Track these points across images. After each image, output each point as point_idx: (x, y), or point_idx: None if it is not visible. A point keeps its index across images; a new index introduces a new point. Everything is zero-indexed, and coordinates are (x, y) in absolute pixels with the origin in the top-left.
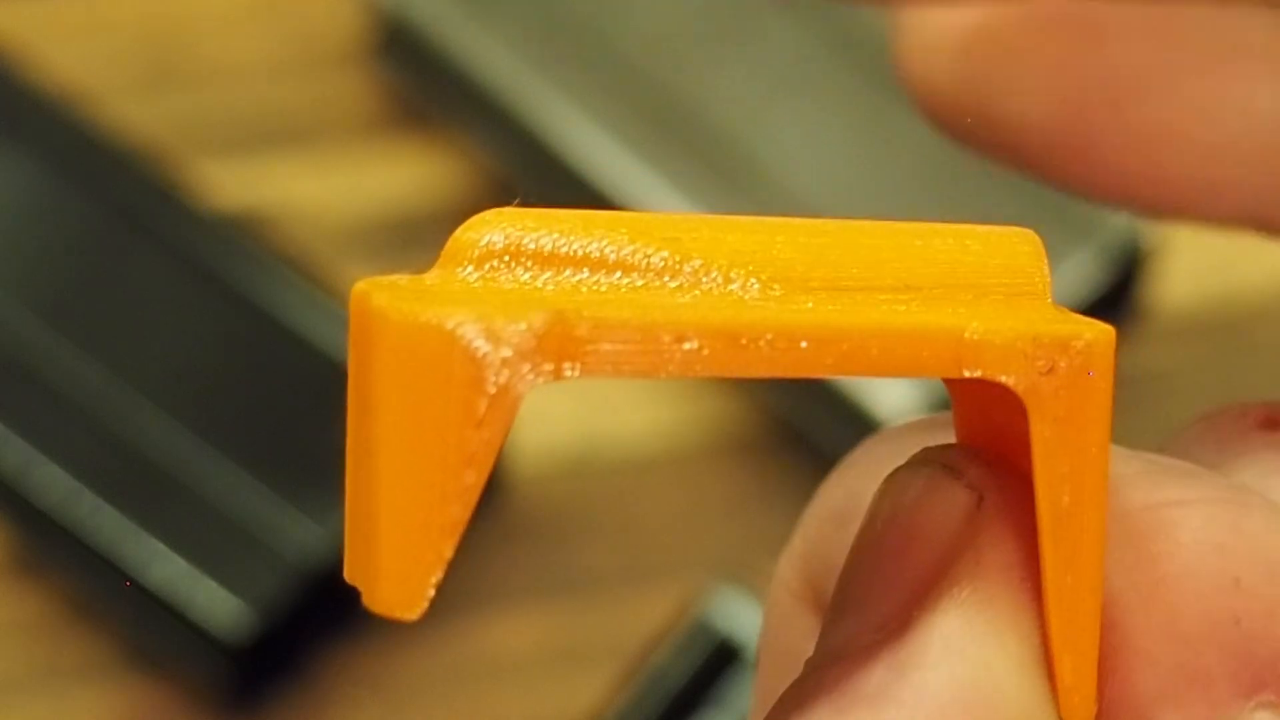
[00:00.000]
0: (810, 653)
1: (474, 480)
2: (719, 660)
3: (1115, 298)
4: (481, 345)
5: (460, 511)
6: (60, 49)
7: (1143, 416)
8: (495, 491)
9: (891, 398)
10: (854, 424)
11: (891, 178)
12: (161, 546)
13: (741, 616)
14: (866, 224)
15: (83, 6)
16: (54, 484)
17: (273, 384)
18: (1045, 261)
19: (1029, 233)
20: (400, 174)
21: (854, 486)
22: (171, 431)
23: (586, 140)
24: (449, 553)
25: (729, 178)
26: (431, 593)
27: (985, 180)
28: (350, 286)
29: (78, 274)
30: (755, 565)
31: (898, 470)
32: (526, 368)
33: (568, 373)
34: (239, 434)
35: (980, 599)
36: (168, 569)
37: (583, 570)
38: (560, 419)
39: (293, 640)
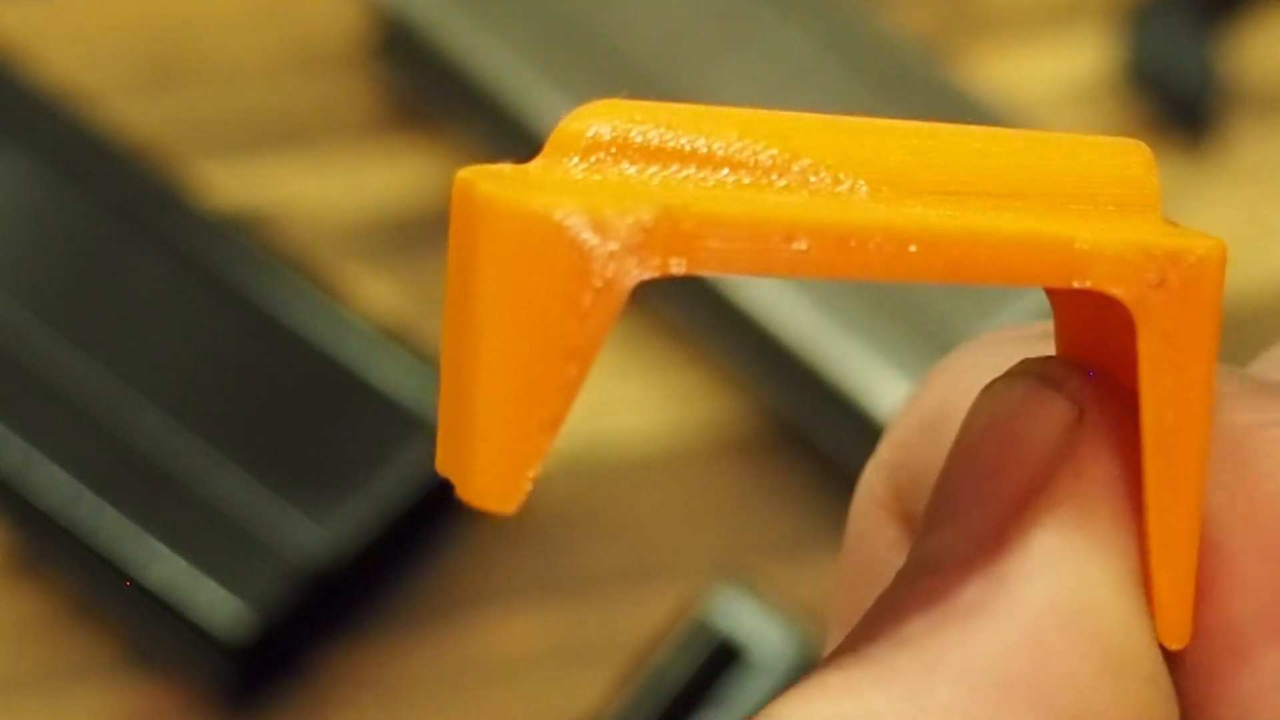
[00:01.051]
0: (896, 564)
1: (576, 374)
2: (719, 660)
3: None
4: (589, 237)
5: (561, 405)
6: (60, 49)
7: None
8: None
9: (892, 397)
10: (854, 424)
11: None
12: (161, 546)
13: (741, 616)
14: (977, 129)
15: (83, 6)
16: (54, 484)
17: (273, 384)
18: (1156, 173)
19: (1140, 144)
20: (400, 174)
21: (947, 394)
22: (171, 431)
23: None
24: (548, 446)
25: None
26: (529, 487)
27: None
28: (350, 286)
29: (78, 274)
30: (755, 565)
31: (996, 380)
32: (633, 262)
33: (674, 268)
34: (239, 434)
35: (1079, 514)
36: (168, 569)
37: (583, 570)
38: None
39: (293, 640)
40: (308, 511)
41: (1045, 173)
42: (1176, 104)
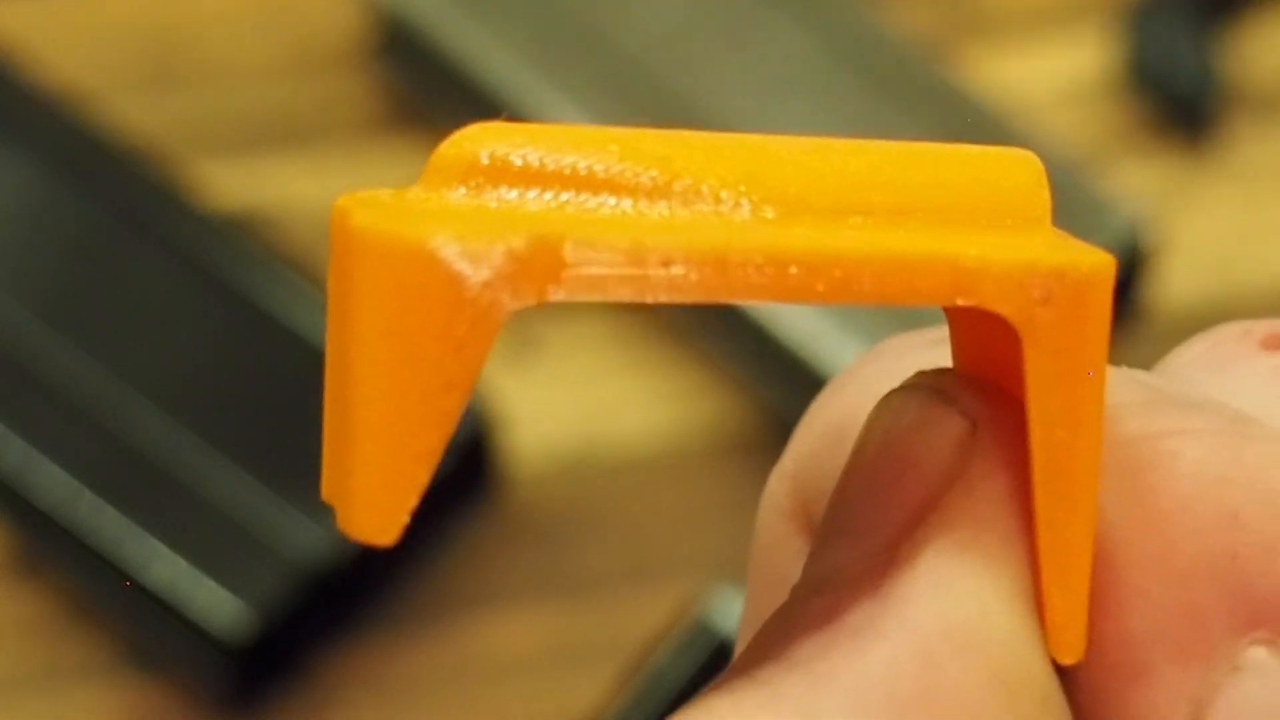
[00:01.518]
0: (798, 574)
1: (453, 405)
2: (719, 660)
3: (1115, 297)
4: (463, 268)
5: (438, 437)
6: (60, 49)
7: None
8: (495, 491)
9: None
10: None
11: None
12: (161, 546)
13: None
14: (863, 143)
15: (83, 6)
16: (54, 484)
17: (273, 384)
18: (1046, 185)
19: (1030, 154)
20: (400, 174)
21: (849, 403)
22: (171, 431)
23: None
24: (425, 479)
25: None
26: (405, 519)
27: None
28: None
29: (78, 274)
30: None
31: (892, 393)
32: (507, 291)
33: (551, 296)
34: (239, 434)
35: (970, 532)
36: (168, 569)
37: (583, 570)
38: (560, 419)
39: (293, 640)
40: (308, 511)
41: (934, 187)
42: (1176, 104)
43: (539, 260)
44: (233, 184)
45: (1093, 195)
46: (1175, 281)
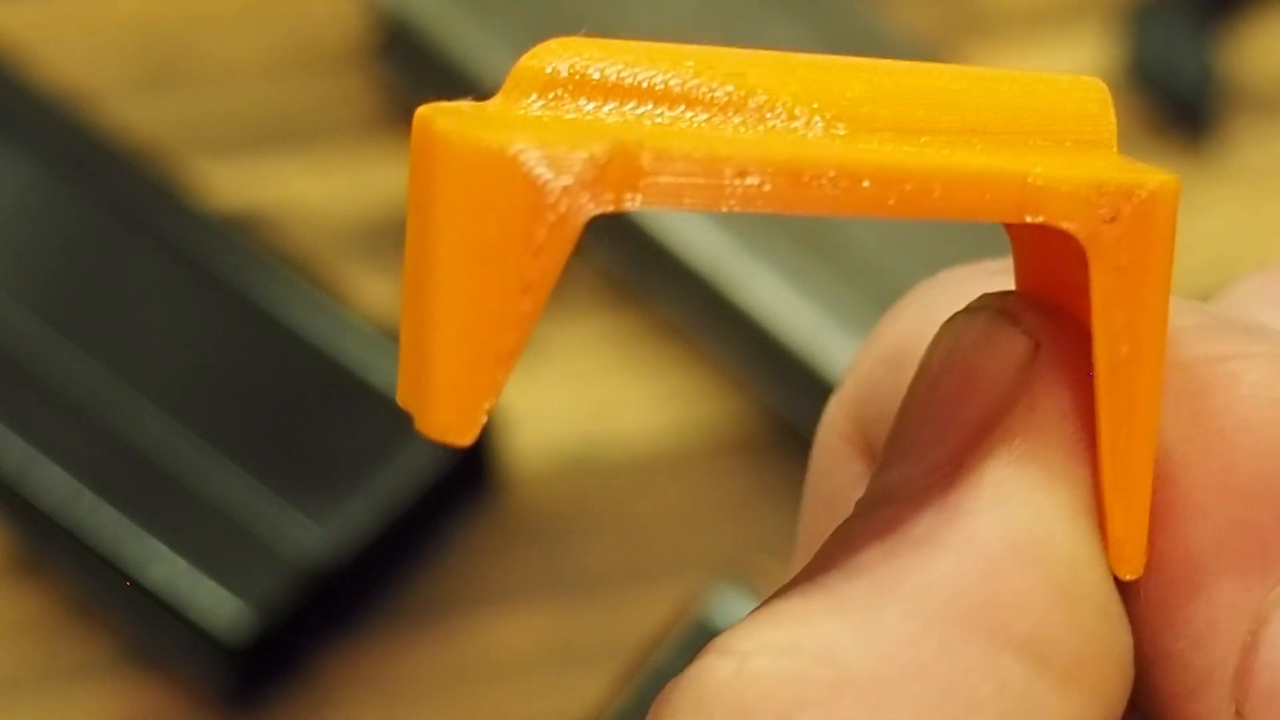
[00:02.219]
0: (858, 496)
1: (530, 307)
2: None
3: None
4: (543, 172)
5: (516, 338)
6: (60, 49)
7: None
8: (495, 491)
9: None
10: None
11: None
12: (161, 546)
13: (741, 617)
14: (934, 66)
15: (83, 6)
16: (54, 484)
17: (273, 384)
18: (1112, 110)
19: (1097, 81)
20: (400, 174)
21: (909, 329)
22: (171, 431)
23: None
24: (504, 379)
25: None
26: (484, 419)
27: None
28: (350, 286)
29: (78, 274)
30: (755, 565)
31: (955, 315)
32: (586, 196)
33: (628, 203)
34: (239, 434)
35: (1033, 447)
36: (168, 569)
37: (583, 570)
38: (560, 419)
39: (293, 640)
40: (308, 511)
41: (1002, 109)
42: (1176, 104)
43: (618, 167)
44: (233, 184)
45: None
46: (1175, 281)
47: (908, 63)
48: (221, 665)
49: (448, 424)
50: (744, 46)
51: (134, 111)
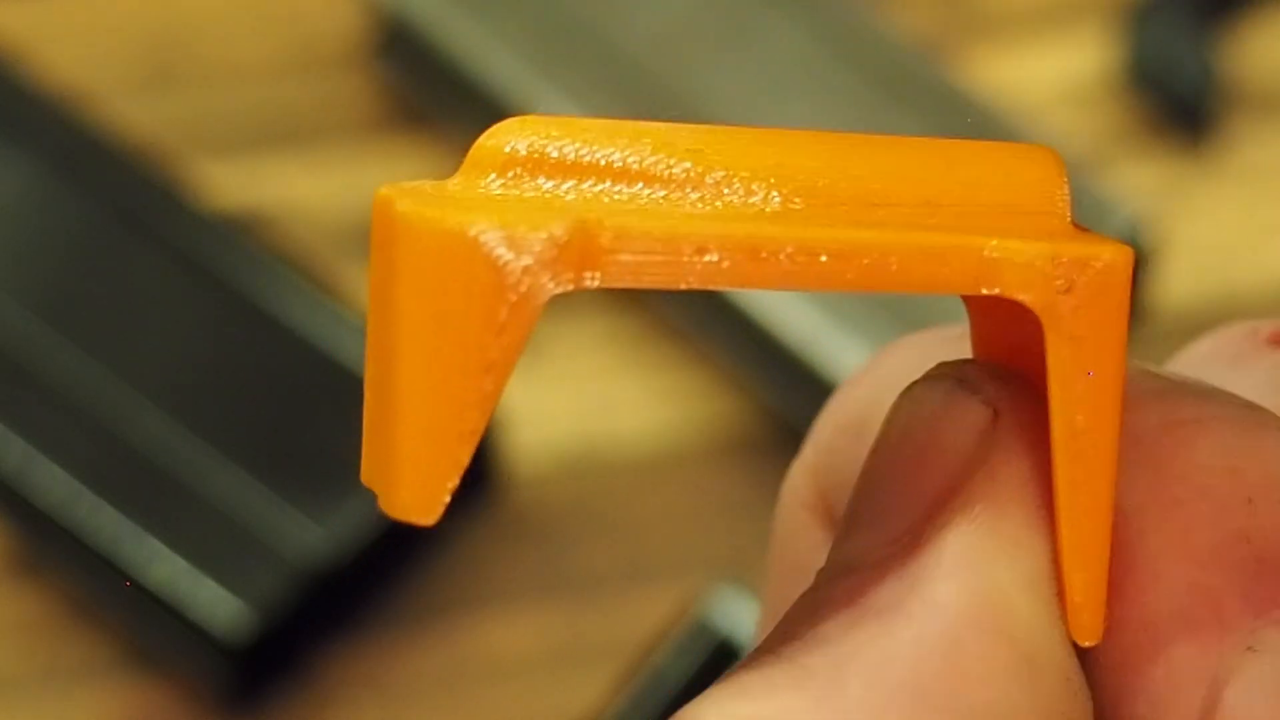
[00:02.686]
0: (820, 564)
1: (492, 387)
2: (719, 660)
3: None
4: (503, 253)
5: (479, 417)
6: (60, 49)
7: None
8: (495, 491)
9: None
10: None
11: None
12: (161, 546)
13: (741, 616)
14: (889, 139)
15: (83, 6)
16: (54, 484)
17: (272, 384)
18: (1065, 179)
19: (1050, 150)
20: (400, 174)
21: (868, 396)
22: (171, 431)
23: None
24: (466, 459)
25: None
26: (447, 499)
27: None
28: (350, 286)
29: (78, 274)
30: (755, 565)
31: (914, 384)
32: (547, 276)
33: (588, 281)
34: (239, 434)
35: (993, 515)
36: (168, 569)
37: (583, 570)
38: (560, 419)
39: (293, 640)
40: (308, 511)
41: (957, 181)
42: (1176, 104)
43: (577, 246)
44: (233, 184)
45: (1093, 195)
46: (1175, 281)
47: (864, 135)
48: (221, 665)
49: (411, 504)
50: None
51: (134, 111)
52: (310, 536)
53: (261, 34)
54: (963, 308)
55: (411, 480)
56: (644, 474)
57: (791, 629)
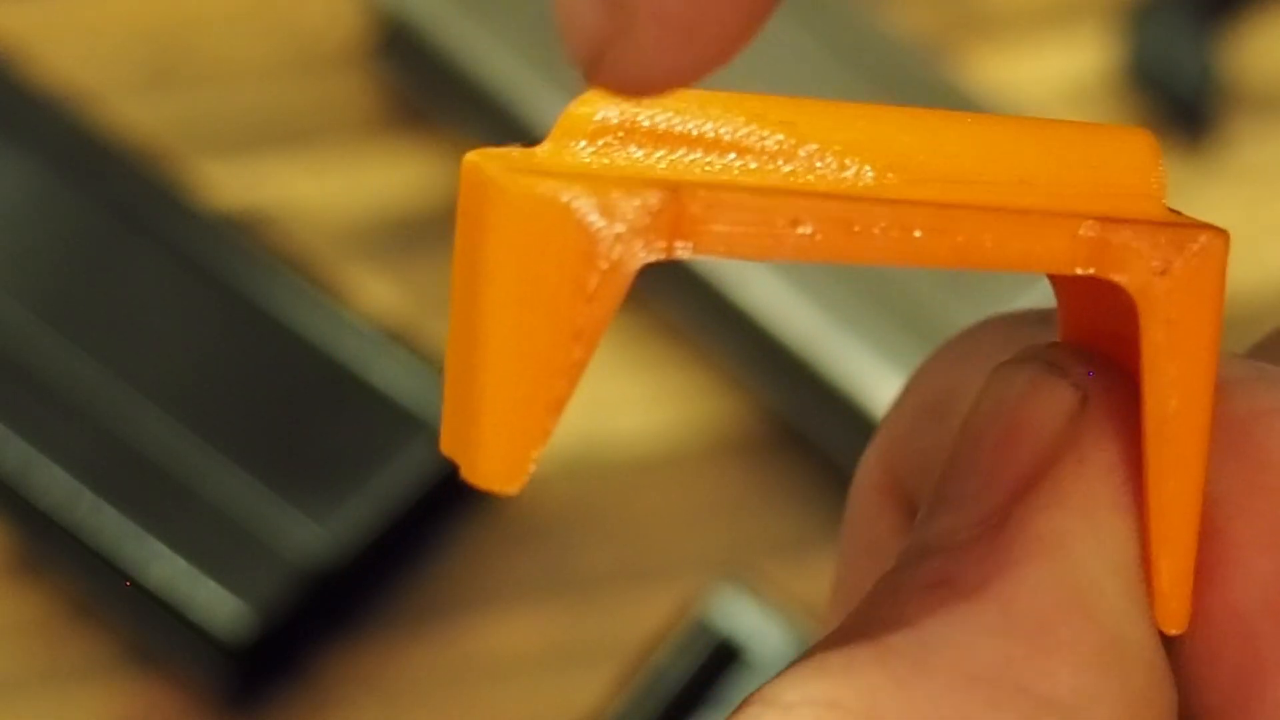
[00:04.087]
0: (895, 547)
1: (581, 355)
2: (719, 660)
3: None
4: (596, 220)
5: (566, 386)
6: (60, 49)
7: None
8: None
9: (891, 397)
10: (854, 424)
11: None
12: (161, 546)
13: (741, 616)
14: (984, 116)
15: (83, 6)
16: (54, 484)
17: (273, 384)
18: (1161, 162)
19: (1146, 132)
20: (400, 174)
21: (948, 379)
22: (171, 431)
23: None
24: (552, 427)
25: None
26: (533, 467)
27: None
28: (350, 286)
29: (78, 274)
30: (755, 565)
31: (1001, 365)
32: (640, 244)
33: (680, 251)
34: (239, 434)
35: (1081, 500)
36: (168, 569)
37: (583, 570)
38: (560, 419)
39: (293, 640)
40: (308, 511)
41: (1051, 160)
42: (1176, 104)
43: (671, 215)
44: (233, 184)
45: None
46: None
47: (958, 112)
48: (221, 665)
49: (496, 473)
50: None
51: (134, 111)
52: (310, 536)
53: (261, 34)
54: (970, 312)
55: (496, 449)
56: (644, 474)
57: (874, 609)
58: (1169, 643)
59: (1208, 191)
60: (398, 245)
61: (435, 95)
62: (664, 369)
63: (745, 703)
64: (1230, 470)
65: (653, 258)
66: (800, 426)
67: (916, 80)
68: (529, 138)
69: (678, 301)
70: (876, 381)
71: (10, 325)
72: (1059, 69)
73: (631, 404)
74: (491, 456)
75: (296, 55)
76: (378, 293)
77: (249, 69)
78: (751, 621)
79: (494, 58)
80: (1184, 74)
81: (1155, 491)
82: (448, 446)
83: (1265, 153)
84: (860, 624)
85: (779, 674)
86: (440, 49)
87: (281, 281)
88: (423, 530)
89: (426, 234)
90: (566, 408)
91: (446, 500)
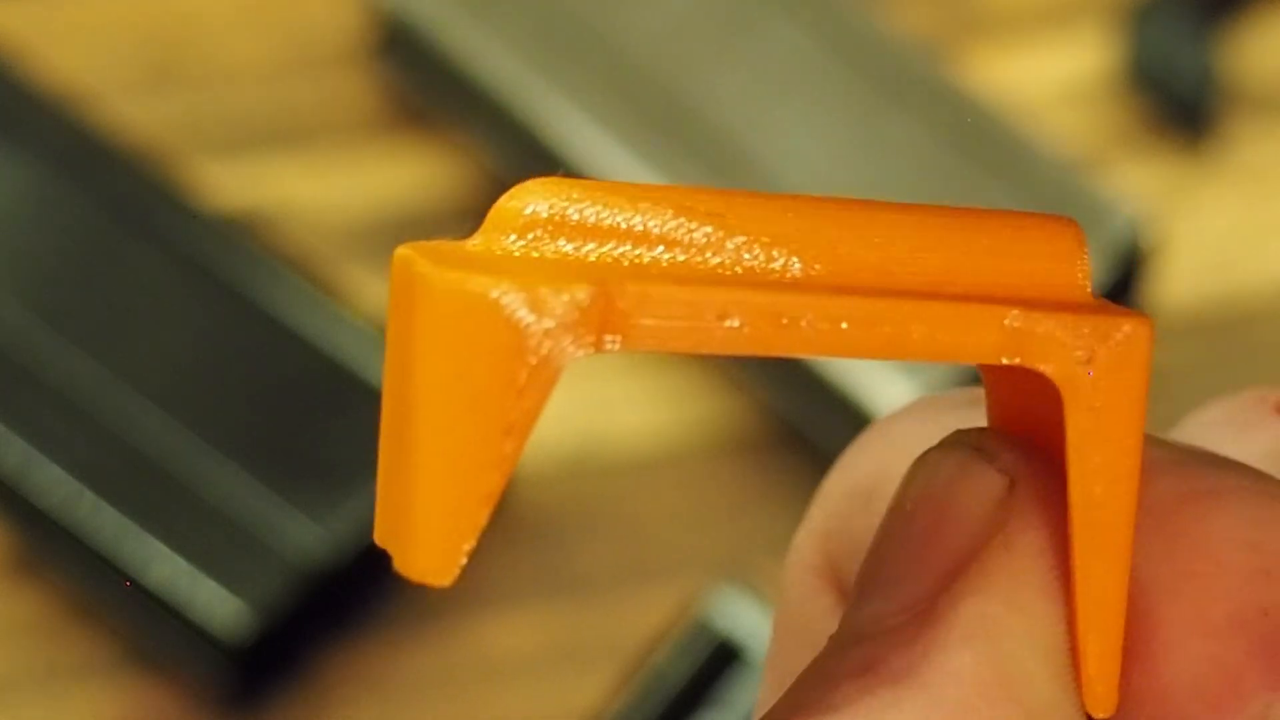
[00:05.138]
0: (829, 630)
1: (512, 449)
2: (719, 660)
3: (1115, 298)
4: (525, 315)
5: (497, 480)
6: (60, 49)
7: None
8: None
9: (891, 396)
10: (854, 424)
11: (889, 177)
12: (161, 546)
13: (741, 616)
14: (909, 206)
15: (83, 6)
16: (54, 484)
17: (273, 384)
18: (1086, 250)
19: (1070, 220)
20: (400, 174)
21: (879, 463)
22: (171, 431)
23: (586, 140)
24: (484, 521)
25: (728, 177)
26: (464, 560)
27: (982, 181)
28: (350, 286)
29: (78, 274)
30: (755, 565)
31: (929, 451)
32: (569, 339)
33: (609, 345)
34: (239, 434)
35: (1008, 585)
36: (168, 569)
37: (583, 570)
38: (560, 419)
39: (293, 640)
40: (308, 511)
41: (978, 249)
42: (1176, 104)
43: (599, 310)
44: (233, 184)
45: (1093, 195)
46: (1175, 281)
47: (884, 203)
48: (221, 665)
49: (428, 567)
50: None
51: (134, 111)
52: (310, 536)
53: (261, 34)
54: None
55: (428, 543)
56: (644, 474)
57: (802, 696)
58: None
59: (1207, 191)
60: (398, 245)
61: (435, 95)
62: (664, 369)
63: None
64: (1158, 554)
65: (582, 353)
66: (800, 426)
67: (916, 80)
68: (527, 138)
69: None
70: (877, 382)
71: (10, 325)
72: (1059, 69)
73: (631, 404)
74: (423, 551)
75: (296, 55)
76: (378, 293)
77: (249, 69)
78: (751, 621)
79: (494, 58)
80: (1184, 74)
81: (1082, 576)
82: (381, 538)
83: (1265, 153)
84: (789, 712)
85: None
86: (440, 49)
87: (281, 281)
88: None
89: (426, 234)
90: (496, 501)
91: None
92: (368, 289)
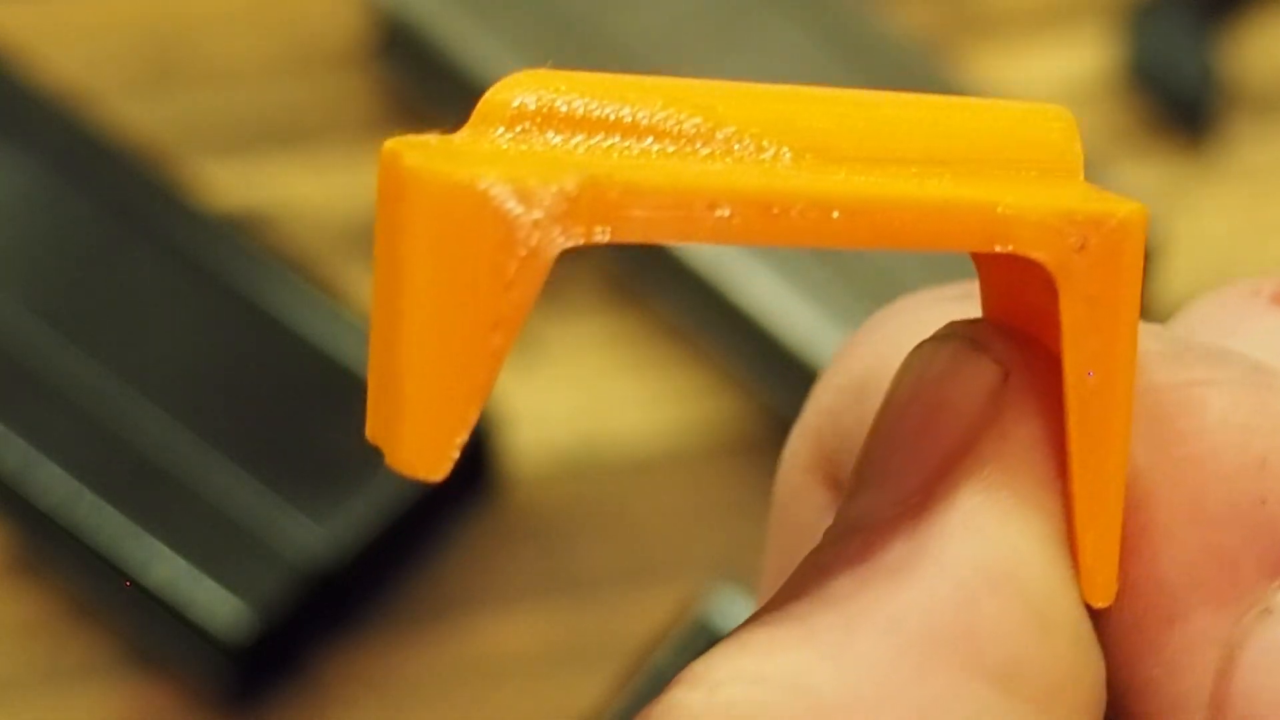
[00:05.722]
0: (824, 526)
1: (501, 343)
2: None
3: None
4: (513, 206)
5: (487, 375)
6: (60, 49)
7: None
8: (495, 491)
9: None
10: None
11: None
12: (161, 546)
13: (741, 616)
14: (901, 96)
15: (83, 6)
16: (54, 484)
17: (272, 384)
18: (1078, 138)
19: (1062, 109)
20: None
21: (871, 358)
22: (171, 431)
23: None
24: (474, 416)
25: None
26: (455, 455)
27: None
28: (350, 287)
29: (78, 274)
30: (755, 565)
31: (923, 343)
32: (557, 230)
33: (598, 236)
34: (239, 434)
35: (1004, 475)
36: (168, 569)
37: (583, 570)
38: (560, 419)
39: (293, 640)
40: (308, 511)
41: (969, 139)
42: (1176, 104)
43: (588, 200)
44: (233, 184)
45: None
46: (1175, 281)
47: (875, 92)
48: (221, 665)
49: (418, 460)
50: (743, 47)
51: (134, 111)
52: (310, 536)
53: (261, 34)
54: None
55: (419, 436)
56: (644, 474)
57: (799, 587)
58: (1097, 617)
59: (1208, 191)
60: None
61: (435, 95)
62: (664, 369)
63: (673, 683)
64: (1153, 443)
65: (571, 243)
66: None
67: (916, 80)
68: None
69: (677, 301)
70: None
71: (10, 325)
72: (1059, 69)
73: (631, 404)
74: (413, 443)
75: (296, 55)
76: None
77: (249, 69)
78: None
79: (494, 58)
80: (1184, 74)
81: (1078, 466)
82: (372, 433)
83: (1265, 153)
84: (786, 601)
85: (706, 653)
86: (440, 49)
87: (281, 281)
88: (423, 530)
89: None
90: (489, 395)
91: (446, 500)
92: (368, 289)
